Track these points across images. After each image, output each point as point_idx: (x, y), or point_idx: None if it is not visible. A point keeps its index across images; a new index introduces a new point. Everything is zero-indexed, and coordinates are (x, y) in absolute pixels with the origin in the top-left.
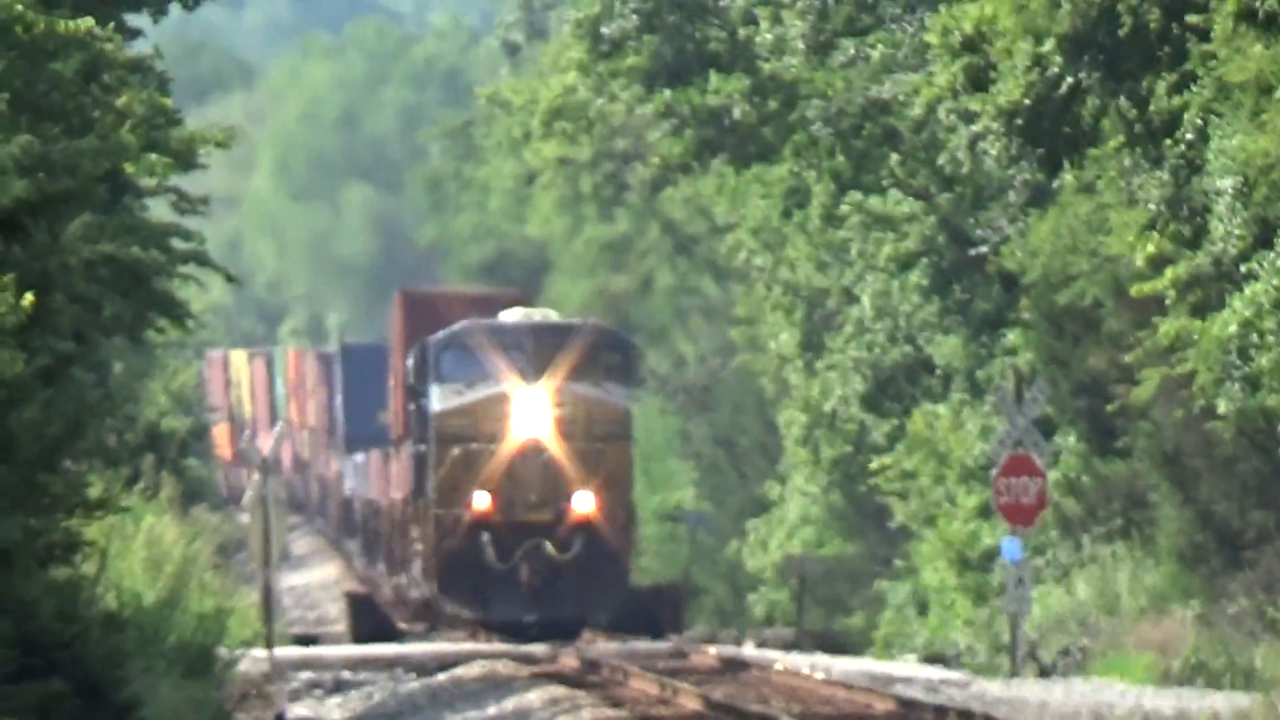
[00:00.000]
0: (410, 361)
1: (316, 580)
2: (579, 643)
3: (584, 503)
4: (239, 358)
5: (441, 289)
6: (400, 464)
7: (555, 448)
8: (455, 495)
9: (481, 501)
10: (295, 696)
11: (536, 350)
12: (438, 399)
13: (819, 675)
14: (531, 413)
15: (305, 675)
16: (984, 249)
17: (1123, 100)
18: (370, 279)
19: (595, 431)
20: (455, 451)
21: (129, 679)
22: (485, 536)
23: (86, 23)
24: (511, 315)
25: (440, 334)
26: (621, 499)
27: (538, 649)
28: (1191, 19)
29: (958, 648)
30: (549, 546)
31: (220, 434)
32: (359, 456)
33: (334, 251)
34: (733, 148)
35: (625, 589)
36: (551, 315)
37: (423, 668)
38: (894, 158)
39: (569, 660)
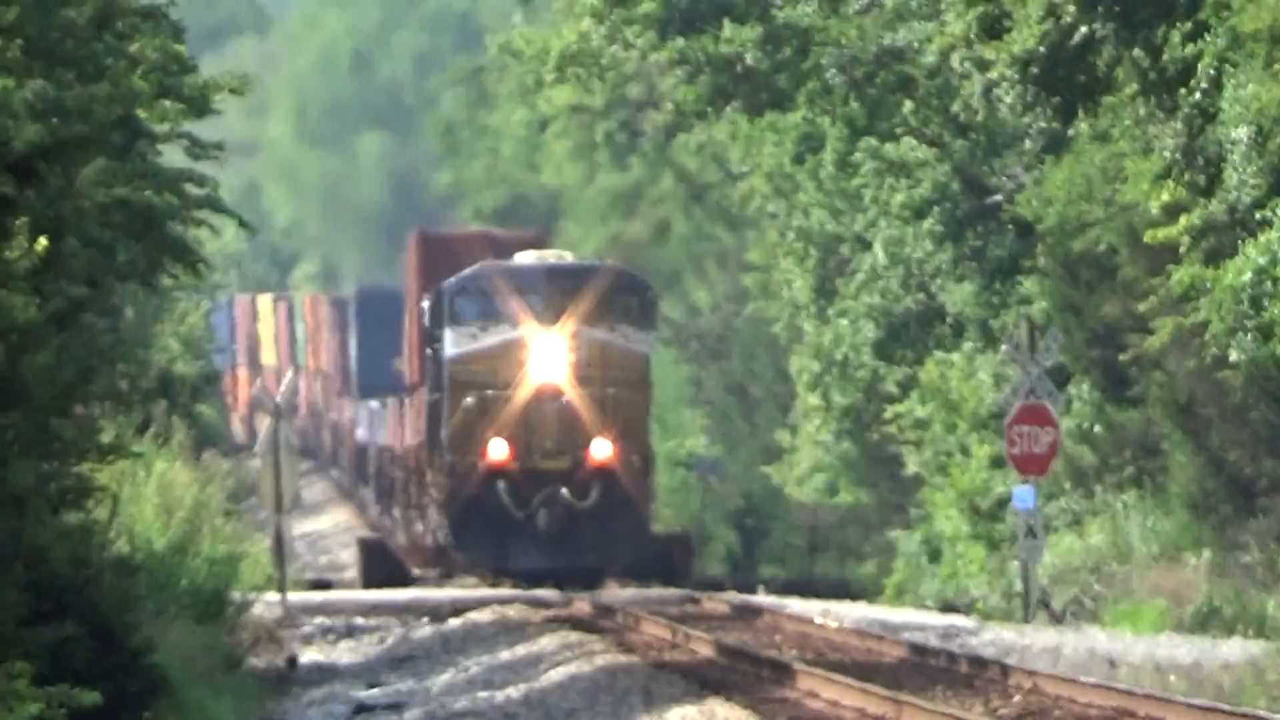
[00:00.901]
0: (425, 305)
1: (329, 526)
2: (595, 590)
3: (601, 449)
4: (265, 303)
5: (457, 230)
6: (415, 410)
7: (572, 393)
8: (470, 443)
9: (497, 449)
10: (307, 641)
11: (552, 293)
12: (452, 343)
13: (831, 623)
14: (548, 358)
15: (317, 620)
16: (998, 197)
17: (1137, 49)
18: (384, 225)
19: (613, 376)
20: (470, 398)
21: (141, 624)
22: (501, 484)
23: None
24: (527, 257)
25: (455, 277)
26: (640, 445)
27: (550, 594)
28: None
29: (970, 596)
30: (566, 494)
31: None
32: (373, 403)
33: (348, 197)
34: (746, 95)
35: (645, 536)
36: (568, 257)
37: (435, 613)
38: (908, 105)
39: (581, 606)
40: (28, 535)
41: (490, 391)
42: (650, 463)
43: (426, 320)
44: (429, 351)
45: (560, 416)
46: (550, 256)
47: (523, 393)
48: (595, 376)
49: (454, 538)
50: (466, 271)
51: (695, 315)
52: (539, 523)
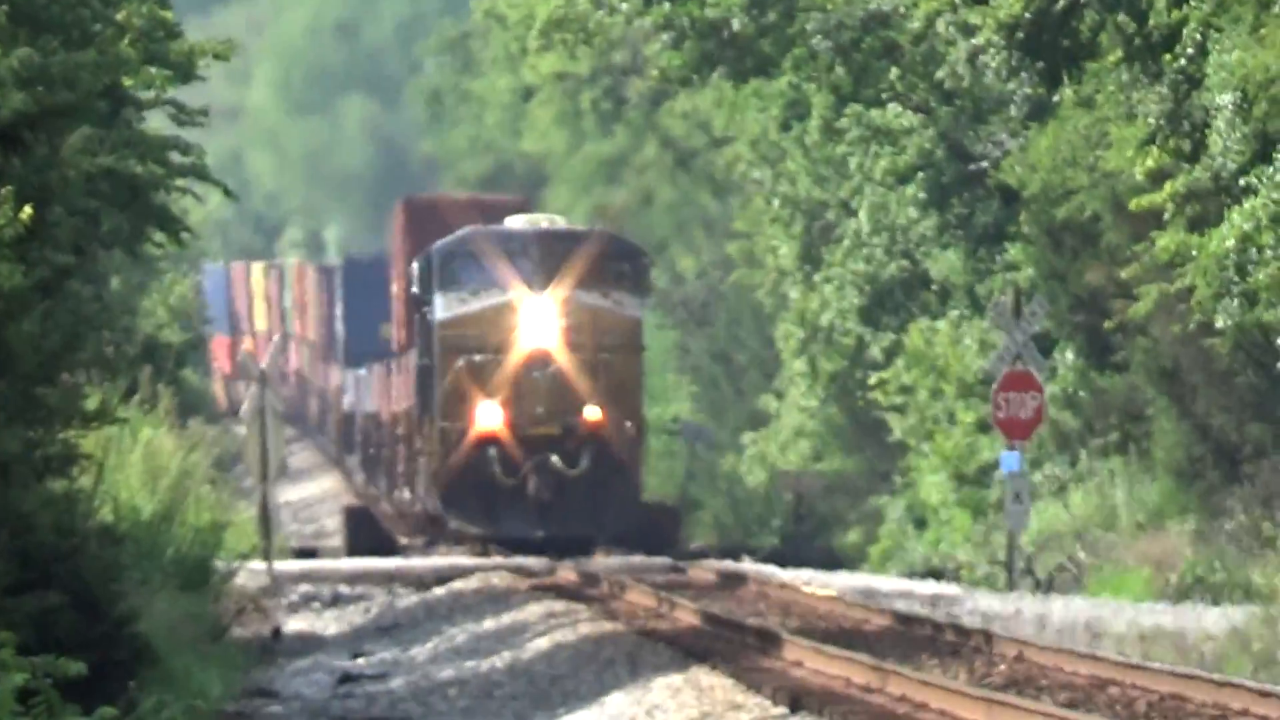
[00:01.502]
0: (414, 270)
1: (315, 494)
2: (586, 558)
3: (593, 415)
4: (258, 270)
5: (445, 195)
6: (403, 376)
7: (563, 359)
8: (460, 408)
9: (487, 415)
10: (292, 610)
11: (543, 258)
12: (442, 308)
13: (820, 591)
14: (538, 322)
15: (303, 588)
16: (983, 163)
17: (1121, 14)
18: (368, 192)
19: (604, 342)
20: (460, 363)
21: (126, 592)
22: (492, 451)
23: None
24: (517, 221)
25: (444, 241)
26: (631, 412)
27: (536, 563)
28: None
29: (955, 563)
30: (557, 461)
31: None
32: (360, 371)
33: (332, 164)
34: (731, 61)
35: (636, 504)
36: (559, 221)
37: (420, 581)
38: (894, 71)
39: (567, 574)
40: (12, 503)
41: (480, 356)
42: (642, 430)
43: (415, 285)
44: (418, 317)
45: (551, 382)
46: (542, 221)
47: (513, 358)
48: (587, 342)
49: (443, 505)
50: (457, 235)
51: (680, 282)
52: (529, 490)
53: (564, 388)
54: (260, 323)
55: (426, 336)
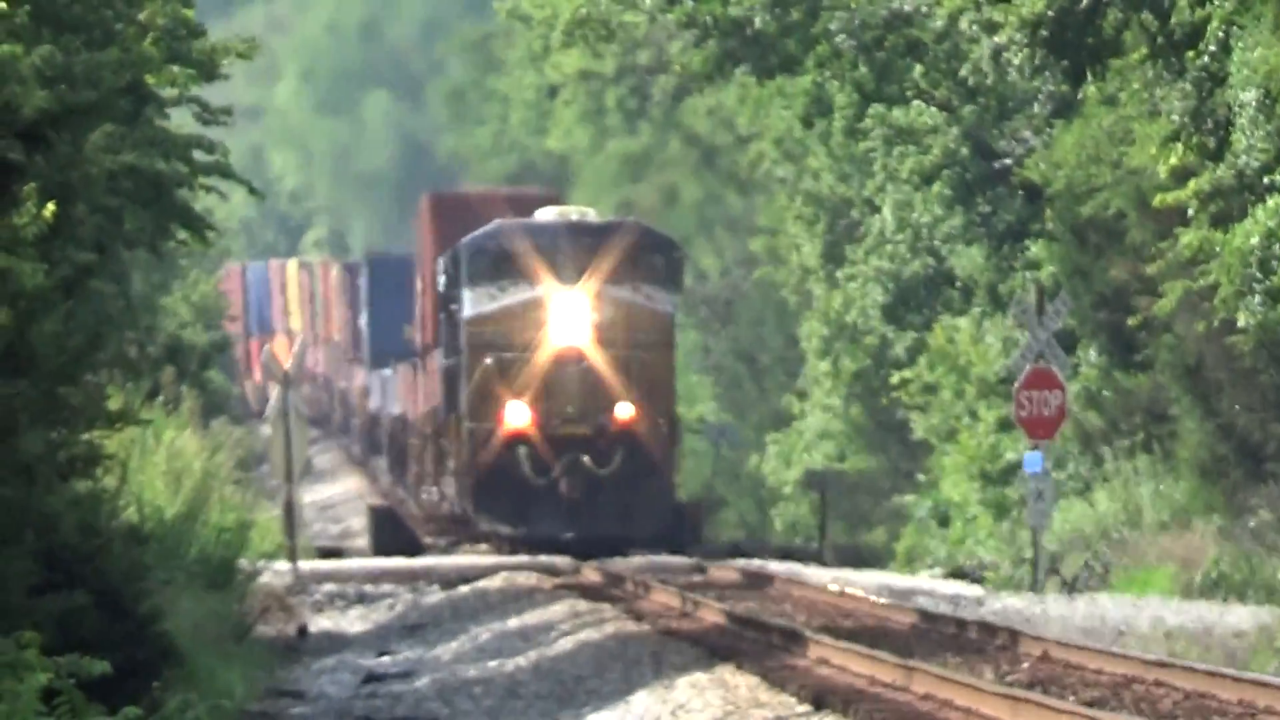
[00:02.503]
0: (441, 266)
1: (339, 494)
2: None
3: (625, 414)
4: (292, 268)
5: (472, 190)
6: (429, 375)
7: (594, 356)
8: (489, 407)
9: (517, 414)
10: (318, 608)
11: (574, 251)
12: (470, 304)
13: (857, 592)
14: (569, 318)
15: (327, 588)
16: (1007, 161)
17: (1145, 12)
18: (392, 191)
19: (636, 338)
20: (488, 361)
21: (150, 592)
22: (522, 450)
23: None
24: (547, 214)
25: (472, 235)
26: (664, 409)
27: (560, 562)
28: None
29: (979, 562)
30: (588, 461)
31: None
32: (385, 371)
33: (356, 163)
34: (754, 59)
35: (670, 504)
36: (590, 214)
37: (445, 580)
38: (917, 69)
39: (591, 574)
40: (36, 504)
41: (509, 354)
42: (675, 427)
43: (442, 282)
44: (445, 314)
45: (582, 380)
46: (572, 213)
47: (543, 355)
48: (618, 338)
49: (473, 506)
50: (484, 229)
51: (704, 280)
52: (560, 490)
53: (595, 385)
54: (295, 323)
55: (454, 334)
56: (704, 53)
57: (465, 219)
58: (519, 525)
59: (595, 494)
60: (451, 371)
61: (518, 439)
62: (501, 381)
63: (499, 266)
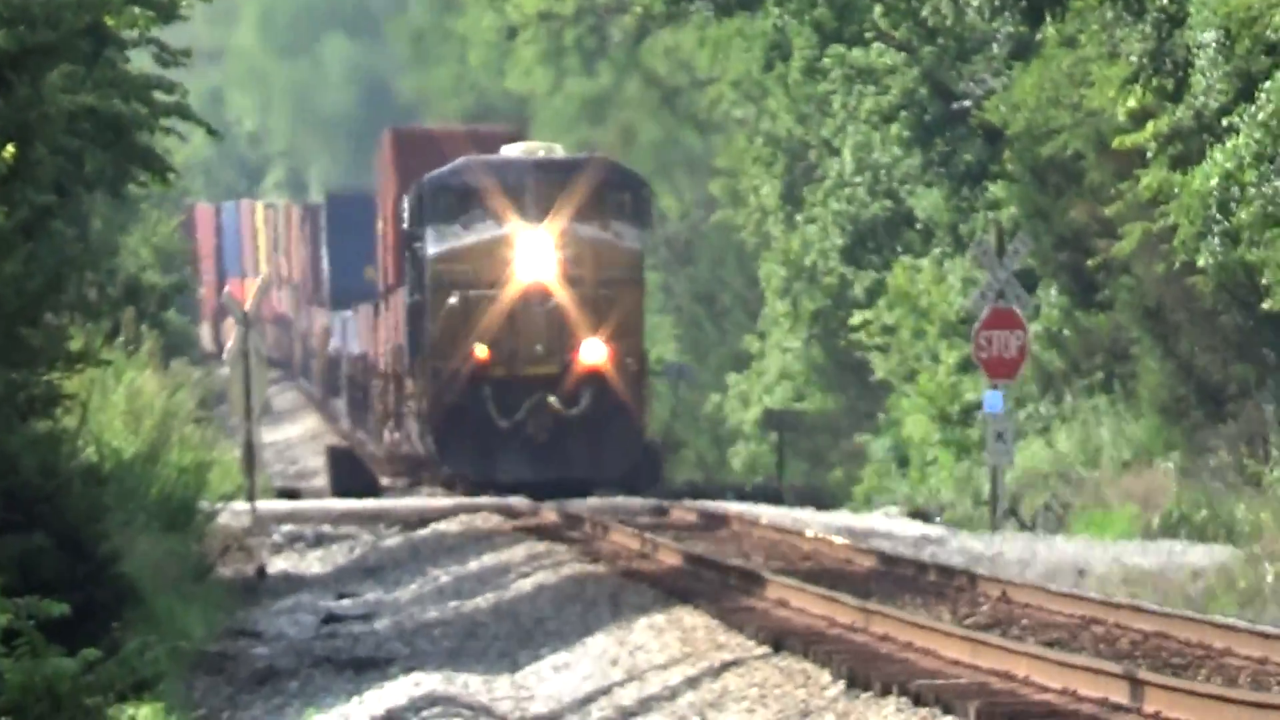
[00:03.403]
0: (404, 203)
1: (298, 435)
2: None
3: (593, 353)
4: (260, 210)
5: (435, 126)
6: (392, 314)
7: (561, 294)
8: (453, 347)
9: (482, 353)
10: (276, 550)
11: (540, 188)
12: (433, 242)
13: (800, 530)
14: (535, 256)
15: (286, 529)
16: (967, 102)
17: None
18: (351, 132)
19: (604, 276)
20: (453, 299)
21: (109, 533)
22: (487, 391)
23: None
24: (513, 150)
25: (436, 172)
26: (633, 348)
27: (519, 503)
28: None
29: (939, 502)
30: (555, 401)
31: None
32: (346, 313)
33: (315, 104)
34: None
35: (639, 445)
36: (557, 150)
37: (404, 522)
38: (877, 9)
39: (549, 515)
40: None
41: (474, 292)
42: (645, 367)
43: (406, 219)
44: (408, 253)
45: (548, 318)
46: (538, 150)
47: (508, 293)
48: (585, 276)
49: (436, 448)
50: (449, 166)
51: (663, 222)
52: (526, 431)
53: (561, 324)
54: (264, 265)
55: (418, 272)
56: None
57: (428, 156)
58: (483, 468)
59: (563, 436)
60: (415, 310)
61: (483, 379)
62: (466, 320)
63: (464, 203)
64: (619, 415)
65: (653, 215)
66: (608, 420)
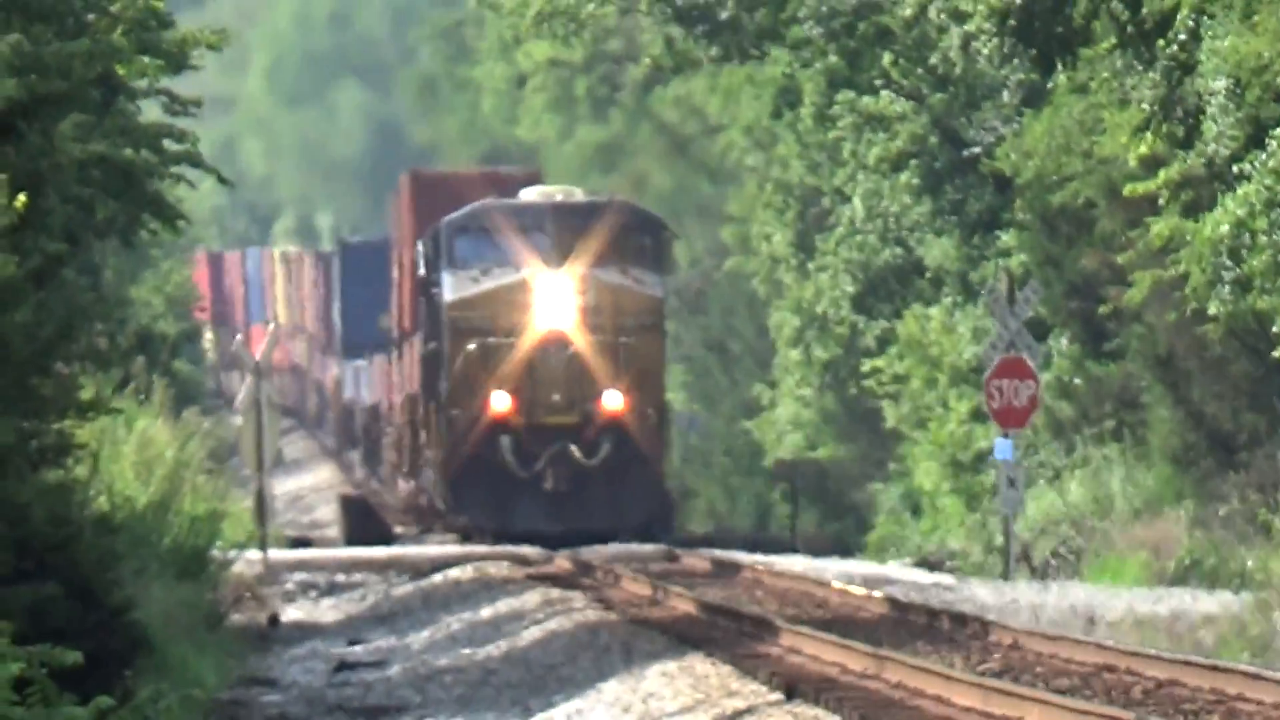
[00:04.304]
0: (420, 248)
1: (310, 485)
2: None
3: (612, 402)
4: (278, 257)
5: (452, 170)
6: (407, 362)
7: (580, 341)
8: (471, 395)
9: (500, 402)
10: (289, 598)
11: (559, 232)
12: (451, 288)
13: (812, 578)
14: (554, 302)
15: (299, 577)
16: (977, 150)
17: (1114, 1)
18: (362, 179)
19: (624, 323)
20: (471, 346)
21: (121, 581)
22: (505, 440)
23: None
24: (532, 194)
25: (454, 215)
26: (653, 397)
27: (531, 551)
28: None
29: (950, 551)
30: (575, 451)
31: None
32: (359, 361)
33: (326, 152)
34: (724, 46)
35: (659, 496)
36: (576, 193)
37: (416, 570)
38: (886, 57)
39: (562, 562)
40: (8, 493)
41: (492, 339)
42: (665, 416)
43: (422, 265)
44: (424, 298)
45: (568, 367)
46: (557, 193)
47: (527, 341)
48: (606, 323)
49: (452, 499)
50: (467, 209)
51: (675, 269)
52: (545, 482)
53: (581, 372)
54: (281, 313)
55: (435, 319)
56: (670, 38)
57: (446, 199)
58: (501, 519)
59: (582, 486)
60: (432, 358)
61: (501, 428)
62: (484, 368)
63: (482, 248)
64: (639, 465)
65: (673, 259)
66: (628, 471)
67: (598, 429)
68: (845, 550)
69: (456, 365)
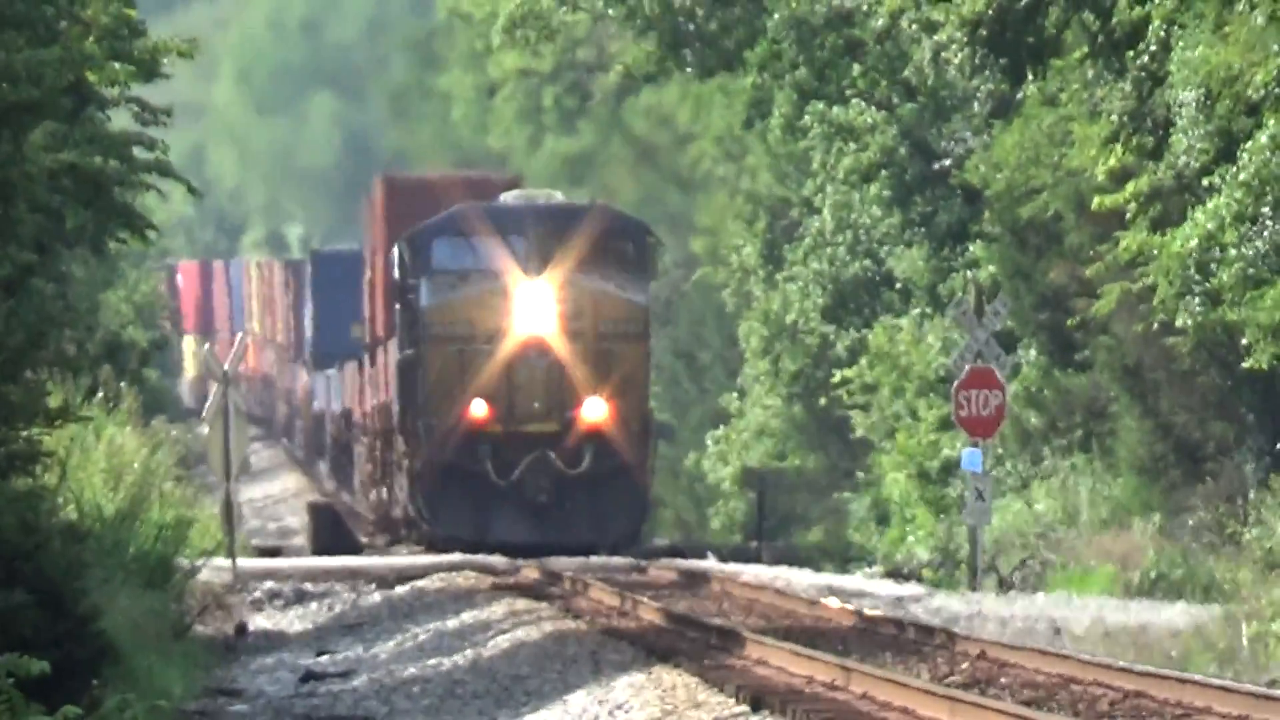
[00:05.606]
0: (397, 253)
1: (277, 492)
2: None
3: (594, 410)
4: (252, 267)
5: (428, 174)
6: (380, 369)
7: (560, 348)
8: (448, 403)
9: (479, 409)
10: (256, 607)
11: (540, 237)
12: (428, 293)
13: (780, 588)
14: (533, 308)
15: (266, 586)
16: (947, 162)
17: (1086, 11)
18: (332, 189)
19: (605, 329)
20: (449, 353)
21: (89, 590)
22: (483, 449)
23: None
24: (511, 197)
25: (431, 220)
26: (636, 406)
27: (498, 561)
28: None
29: (918, 560)
30: (555, 460)
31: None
32: (330, 371)
33: (296, 161)
34: (696, 56)
35: (642, 507)
36: (556, 197)
37: (384, 579)
38: (857, 68)
39: (529, 572)
40: None
41: (471, 346)
42: (649, 425)
43: (397, 270)
44: (400, 305)
45: (548, 374)
46: (538, 197)
47: (506, 347)
48: (587, 330)
49: (428, 508)
50: (444, 213)
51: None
52: (524, 492)
53: (561, 379)
54: (255, 323)
55: (412, 325)
56: (645, 50)
57: (422, 204)
58: (478, 530)
59: (563, 496)
60: (408, 365)
61: (479, 435)
62: (462, 374)
63: (460, 253)
64: (622, 476)
65: (656, 265)
66: (610, 481)
67: (579, 438)
68: (813, 561)
69: (434, 372)
